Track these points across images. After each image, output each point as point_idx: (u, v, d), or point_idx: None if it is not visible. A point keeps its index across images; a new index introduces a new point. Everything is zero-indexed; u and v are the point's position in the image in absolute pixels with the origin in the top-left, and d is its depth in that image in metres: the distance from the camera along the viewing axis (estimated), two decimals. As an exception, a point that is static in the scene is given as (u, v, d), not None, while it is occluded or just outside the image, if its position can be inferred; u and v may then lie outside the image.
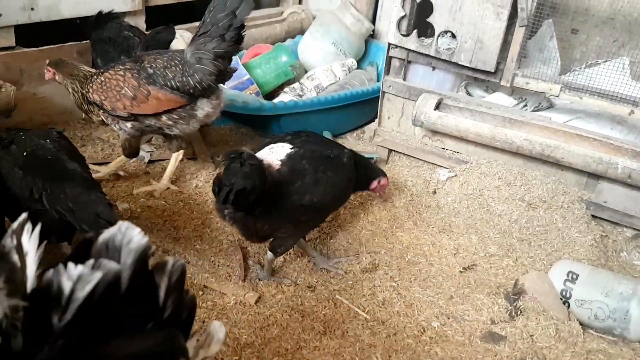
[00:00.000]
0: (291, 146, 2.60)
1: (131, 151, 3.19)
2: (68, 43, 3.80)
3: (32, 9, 3.51)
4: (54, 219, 2.24)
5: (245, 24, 2.87)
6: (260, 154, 2.54)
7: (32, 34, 3.67)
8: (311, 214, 2.61)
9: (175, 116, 2.99)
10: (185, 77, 2.91)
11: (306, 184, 2.51)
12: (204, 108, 3.01)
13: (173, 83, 2.92)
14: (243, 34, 2.90)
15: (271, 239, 2.61)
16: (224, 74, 3.00)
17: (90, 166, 2.97)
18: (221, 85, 3.11)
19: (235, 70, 3.07)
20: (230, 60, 2.99)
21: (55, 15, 3.66)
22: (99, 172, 3.23)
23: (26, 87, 3.60)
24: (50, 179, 2.27)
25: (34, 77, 3.61)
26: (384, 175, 2.99)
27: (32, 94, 3.65)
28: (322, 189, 2.56)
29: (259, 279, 2.69)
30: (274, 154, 2.57)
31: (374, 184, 2.93)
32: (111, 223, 2.29)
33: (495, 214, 3.25)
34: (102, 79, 2.97)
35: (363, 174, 2.86)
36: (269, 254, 2.64)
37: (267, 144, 2.67)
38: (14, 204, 2.30)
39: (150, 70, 2.94)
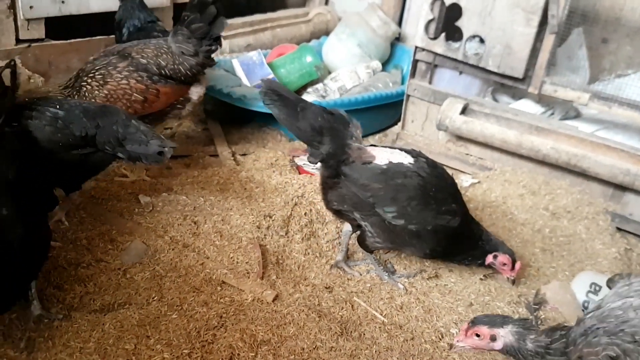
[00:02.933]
0: (412, 162, 2.55)
1: None
2: (96, 37, 3.84)
3: (63, 2, 3.56)
4: (98, 160, 2.41)
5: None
6: (377, 148, 2.62)
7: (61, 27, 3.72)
8: (376, 219, 2.54)
9: (175, 102, 3.18)
10: (176, 66, 3.10)
11: (385, 190, 2.47)
12: (198, 92, 3.32)
13: (166, 71, 3.07)
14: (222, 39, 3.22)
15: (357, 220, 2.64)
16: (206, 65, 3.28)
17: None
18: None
19: (215, 63, 3.41)
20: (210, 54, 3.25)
21: (84, 9, 3.70)
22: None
23: (54, 79, 3.63)
24: (99, 117, 2.37)
25: (61, 69, 3.66)
26: (506, 252, 2.63)
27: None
28: (393, 206, 2.48)
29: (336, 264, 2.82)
30: (389, 154, 2.56)
31: (489, 258, 2.64)
32: (164, 148, 2.35)
33: (518, 223, 3.20)
34: (106, 92, 2.97)
35: (477, 244, 2.63)
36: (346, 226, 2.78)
37: (395, 148, 2.67)
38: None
39: (144, 61, 3.04)
